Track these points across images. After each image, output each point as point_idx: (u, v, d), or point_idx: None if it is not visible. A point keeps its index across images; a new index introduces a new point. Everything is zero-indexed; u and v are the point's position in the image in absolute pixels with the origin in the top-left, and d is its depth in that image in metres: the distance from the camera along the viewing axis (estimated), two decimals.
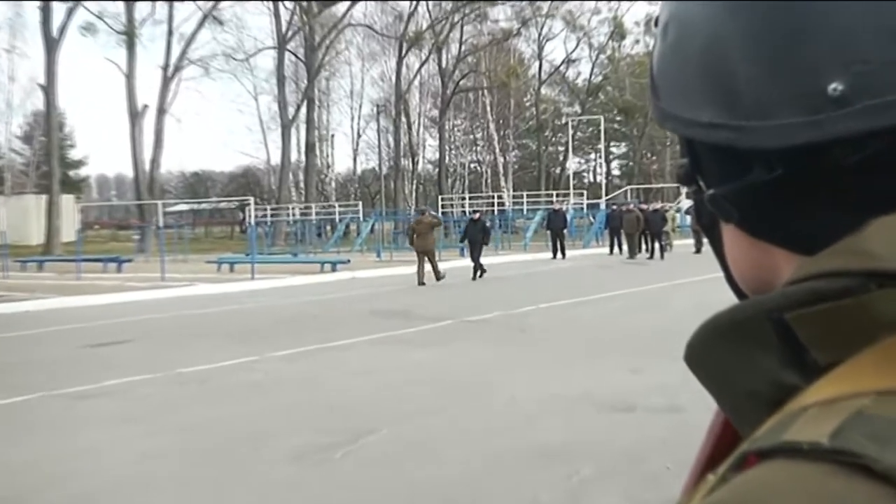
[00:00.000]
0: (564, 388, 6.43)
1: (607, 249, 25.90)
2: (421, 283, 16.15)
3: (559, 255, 23.98)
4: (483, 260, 18.71)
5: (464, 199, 43.63)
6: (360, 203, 38.41)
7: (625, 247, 24.16)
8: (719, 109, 0.43)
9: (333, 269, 19.55)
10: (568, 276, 18.10)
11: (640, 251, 23.63)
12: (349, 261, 20.83)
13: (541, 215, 32.44)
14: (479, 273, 17.30)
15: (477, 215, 18.53)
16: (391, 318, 11.03)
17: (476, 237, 17.72)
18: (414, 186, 53.44)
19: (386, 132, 55.08)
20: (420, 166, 58.10)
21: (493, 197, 40.70)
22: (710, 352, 0.43)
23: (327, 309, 12.56)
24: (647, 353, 7.60)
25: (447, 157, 53.67)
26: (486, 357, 7.93)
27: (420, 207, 23.19)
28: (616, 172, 71.95)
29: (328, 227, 45.48)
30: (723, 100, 0.43)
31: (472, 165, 62.23)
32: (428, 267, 16.41)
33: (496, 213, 37.48)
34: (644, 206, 26.61)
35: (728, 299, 0.47)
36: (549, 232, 25.25)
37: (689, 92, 0.45)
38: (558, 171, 60.87)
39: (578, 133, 60.21)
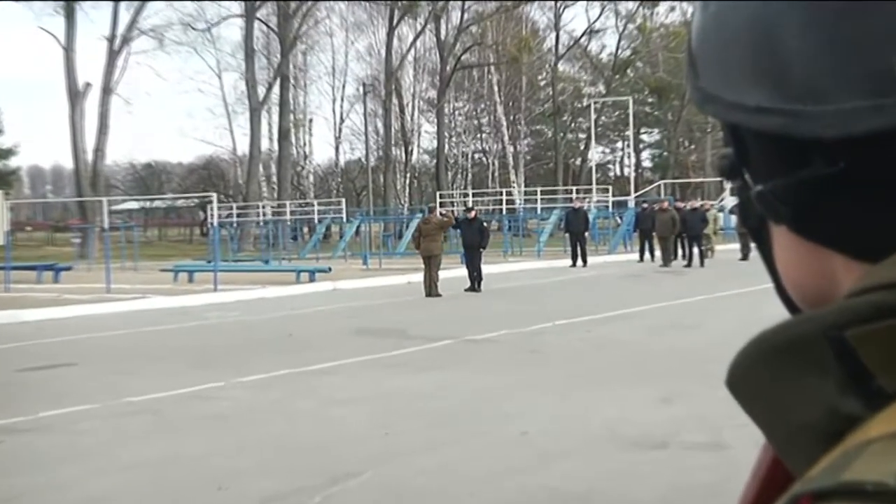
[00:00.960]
0: (585, 420, 6.44)
1: (637, 255, 25.97)
2: (431, 293, 16.19)
3: (579, 262, 24.03)
4: (486, 268, 18.65)
5: (466, 195, 43.67)
6: (344, 200, 38.48)
7: (657, 252, 24.20)
8: (769, 91, 0.43)
9: (311, 279, 19.58)
10: (590, 287, 18.10)
11: (675, 258, 23.67)
12: (330, 269, 20.86)
13: (558, 215, 32.42)
14: (476, 283, 17.29)
15: (472, 213, 18.29)
16: (380, 338, 11.04)
17: (472, 240, 17.67)
18: (407, 181, 53.61)
19: (374, 116, 55.13)
20: (415, 157, 58.32)
21: (501, 193, 40.76)
22: (757, 376, 0.43)
23: (304, 326, 12.57)
24: (684, 379, 7.60)
25: (447, 147, 53.82)
26: (492, 384, 7.93)
27: (429, 204, 23.13)
28: (647, 164, 72.06)
29: (305, 229, 45.46)
30: (773, 80, 0.43)
31: (476, 156, 62.26)
32: (442, 274, 16.39)
33: (504, 212, 37.53)
34: (681, 205, 26.65)
35: (779, 314, 0.48)
36: (567, 235, 25.29)
37: (734, 70, 0.45)
38: (578, 162, 60.92)
39: (602, 117, 60.29)
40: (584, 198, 34.18)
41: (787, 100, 0.42)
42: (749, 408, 0.44)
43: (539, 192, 36.93)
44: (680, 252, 24.10)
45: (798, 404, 0.41)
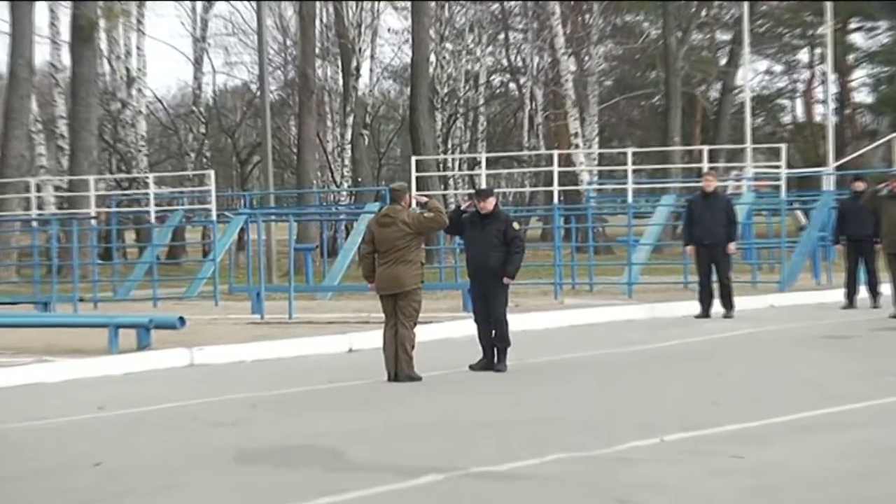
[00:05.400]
0: None
1: (840, 292, 26.07)
2: (400, 373, 16.23)
3: (716, 306, 24.30)
4: (517, 319, 18.63)
5: (475, 164, 43.74)
6: (213, 175, 38.54)
7: (886, 287, 24.35)
8: None
9: (144, 344, 19.61)
10: (737, 361, 18.18)
11: None
12: (183, 322, 20.88)
13: (669, 207, 32.55)
14: (495, 353, 17.28)
15: (488, 202, 18.06)
16: (287, 469, 11.10)
17: (487, 258, 17.71)
18: (349, 133, 53.64)
19: None
20: (365, 82, 58.47)
21: (549, 159, 40.94)
22: None
23: (127, 444, 12.60)
24: None
25: (434, 61, 53.96)
26: None
27: (392, 183, 23.17)
28: (863, 97, 72.32)
29: (131, 237, 45.31)
30: None
31: (496, 82, 62.48)
32: (423, 332, 16.51)
33: (557, 199, 37.64)
34: None
35: None
36: (690, 249, 25.33)
37: None
38: (714, 95, 61.19)
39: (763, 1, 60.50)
40: (728, 170, 34.30)
41: None
42: None
43: (629, 158, 36.91)
44: None
45: None
